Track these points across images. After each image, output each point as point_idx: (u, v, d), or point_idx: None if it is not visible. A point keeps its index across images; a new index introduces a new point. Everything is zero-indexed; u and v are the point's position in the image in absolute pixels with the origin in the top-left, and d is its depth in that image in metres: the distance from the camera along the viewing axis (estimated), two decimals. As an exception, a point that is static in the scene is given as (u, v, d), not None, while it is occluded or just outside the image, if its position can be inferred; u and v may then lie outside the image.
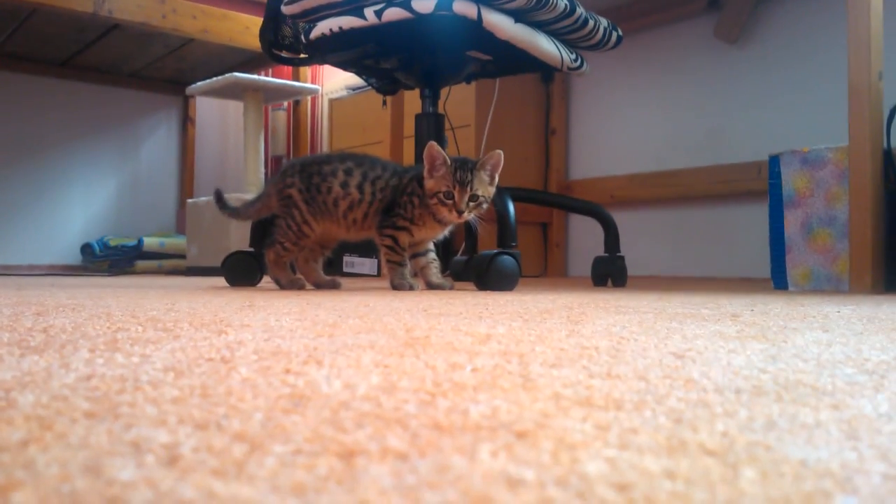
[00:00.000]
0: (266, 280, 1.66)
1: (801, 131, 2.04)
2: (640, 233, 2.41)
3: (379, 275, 2.30)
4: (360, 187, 1.24)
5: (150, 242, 2.99)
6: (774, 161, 1.50)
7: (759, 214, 2.11)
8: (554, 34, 1.42)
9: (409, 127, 2.36)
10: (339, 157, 1.28)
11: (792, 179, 1.46)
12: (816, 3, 2.02)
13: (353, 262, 2.39)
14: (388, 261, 1.24)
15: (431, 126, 1.54)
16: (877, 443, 0.23)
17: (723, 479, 0.19)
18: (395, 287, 1.24)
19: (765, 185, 1.52)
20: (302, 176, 1.26)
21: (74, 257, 3.18)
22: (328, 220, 1.26)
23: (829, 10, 1.99)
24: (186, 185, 3.51)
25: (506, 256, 1.25)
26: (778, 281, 1.49)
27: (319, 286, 1.33)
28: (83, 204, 3.26)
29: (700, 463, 0.21)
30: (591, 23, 1.44)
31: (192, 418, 0.25)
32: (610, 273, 1.61)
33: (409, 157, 2.30)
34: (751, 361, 0.40)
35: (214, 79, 2.66)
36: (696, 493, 0.18)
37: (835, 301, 0.99)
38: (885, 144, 1.34)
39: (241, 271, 1.40)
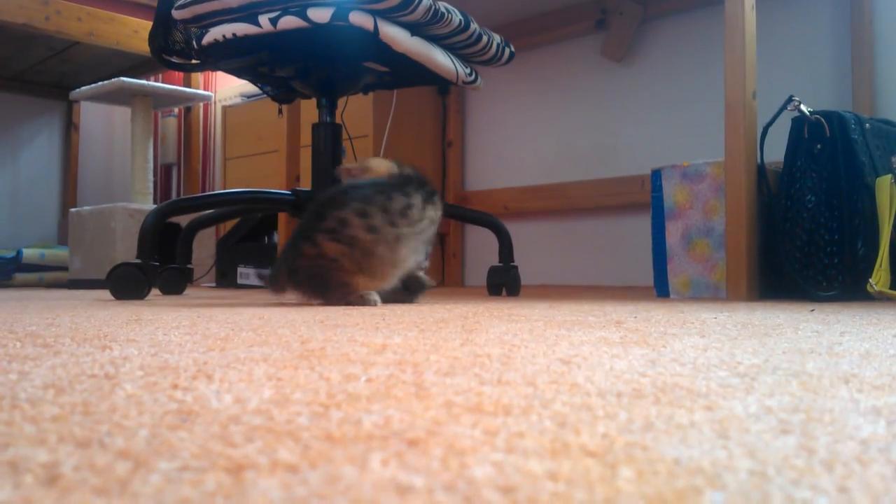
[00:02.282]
0: (154, 293, 1.59)
1: (681, 146, 2.15)
2: (532, 243, 2.47)
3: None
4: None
5: (30, 254, 2.83)
6: (656, 175, 1.57)
7: (643, 226, 2.20)
8: (449, 48, 1.44)
9: (306, 136, 2.33)
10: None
11: (672, 193, 1.54)
12: (696, 25, 2.14)
13: (247, 274, 2.33)
14: None
15: (329, 136, 1.53)
16: (745, 441, 0.24)
17: (602, 478, 0.20)
18: None
19: (648, 197, 1.59)
20: None
21: (-57, 270, 2.97)
22: None
23: (708, 32, 2.11)
24: (70, 193, 3.34)
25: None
26: (660, 289, 1.56)
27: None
28: (-47, 213, 3.06)
29: (581, 464, 0.22)
30: (485, 38, 1.47)
31: (74, 436, 0.25)
32: (504, 283, 1.65)
33: (305, 167, 2.27)
34: (632, 366, 0.42)
35: (100, 83, 2.55)
36: (576, 493, 0.19)
37: (712, 308, 1.05)
38: (758, 160, 1.43)
39: (128, 284, 1.34)
